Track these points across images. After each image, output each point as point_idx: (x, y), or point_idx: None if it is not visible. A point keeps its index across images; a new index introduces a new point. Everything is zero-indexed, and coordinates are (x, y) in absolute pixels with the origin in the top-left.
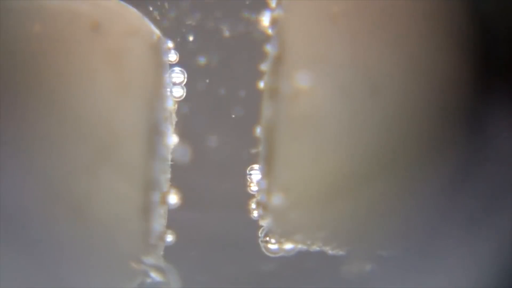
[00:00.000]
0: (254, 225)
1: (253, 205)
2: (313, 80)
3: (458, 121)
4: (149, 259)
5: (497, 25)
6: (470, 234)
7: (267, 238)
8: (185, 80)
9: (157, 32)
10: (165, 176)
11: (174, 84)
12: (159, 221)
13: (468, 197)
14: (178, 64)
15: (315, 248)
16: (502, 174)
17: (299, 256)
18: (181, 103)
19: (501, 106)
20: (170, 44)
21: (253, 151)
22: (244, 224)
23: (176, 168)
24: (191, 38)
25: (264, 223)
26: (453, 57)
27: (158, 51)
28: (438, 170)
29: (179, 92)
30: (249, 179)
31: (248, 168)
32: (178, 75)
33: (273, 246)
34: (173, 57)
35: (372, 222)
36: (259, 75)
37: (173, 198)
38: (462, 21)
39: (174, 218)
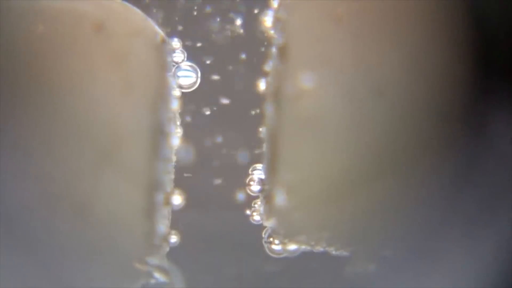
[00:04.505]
0: (258, 226)
1: (257, 206)
2: (316, 81)
3: (459, 122)
4: (153, 260)
5: (497, 25)
6: (470, 234)
7: (271, 239)
8: (198, 80)
9: (160, 32)
10: (169, 177)
11: (181, 84)
12: (163, 222)
13: (468, 197)
14: (185, 64)
15: (318, 248)
16: (502, 174)
17: (303, 257)
18: (185, 104)
19: (501, 106)
20: (175, 44)
21: (257, 151)
22: (248, 225)
23: (180, 168)
24: (194, 39)
25: (268, 224)
26: (455, 58)
27: (161, 52)
28: (439, 171)
29: (185, 93)
30: (252, 180)
31: (252, 169)
32: (187, 75)
33: (276, 246)
34: (179, 57)
35: (375, 222)
36: (263, 75)
37: (177, 199)
38: (464, 22)
39: (178, 219)
